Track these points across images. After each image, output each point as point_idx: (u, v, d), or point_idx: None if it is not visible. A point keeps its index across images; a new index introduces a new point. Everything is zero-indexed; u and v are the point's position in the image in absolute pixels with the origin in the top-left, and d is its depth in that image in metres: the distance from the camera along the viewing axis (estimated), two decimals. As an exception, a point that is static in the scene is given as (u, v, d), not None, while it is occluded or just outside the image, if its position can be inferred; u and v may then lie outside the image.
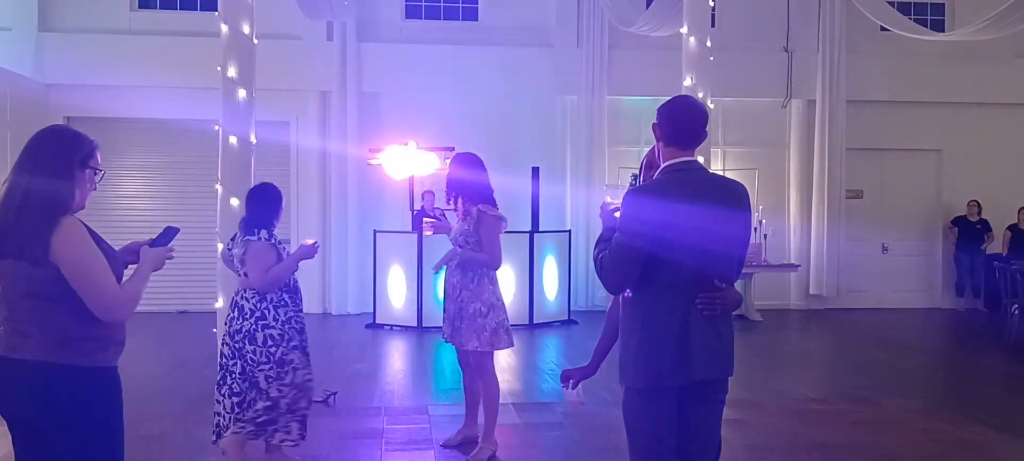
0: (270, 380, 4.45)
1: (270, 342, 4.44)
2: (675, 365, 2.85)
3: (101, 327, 2.56)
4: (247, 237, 4.54)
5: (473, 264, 4.92)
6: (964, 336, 11.08)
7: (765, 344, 9.82)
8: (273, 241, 4.55)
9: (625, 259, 2.84)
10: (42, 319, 2.51)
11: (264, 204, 4.64)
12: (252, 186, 4.75)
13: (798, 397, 6.92)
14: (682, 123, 2.94)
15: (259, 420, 4.47)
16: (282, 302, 4.54)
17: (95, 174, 2.66)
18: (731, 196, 2.96)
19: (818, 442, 5.59)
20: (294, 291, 4.65)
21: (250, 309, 4.48)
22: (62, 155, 2.56)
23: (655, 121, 3.01)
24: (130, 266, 2.78)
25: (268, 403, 4.47)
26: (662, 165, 2.97)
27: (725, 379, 3.00)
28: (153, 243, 2.80)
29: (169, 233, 2.85)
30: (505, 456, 5.17)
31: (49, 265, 2.45)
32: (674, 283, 2.84)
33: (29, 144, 2.59)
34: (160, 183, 12.16)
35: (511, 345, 5.08)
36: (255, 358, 4.43)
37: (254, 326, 4.45)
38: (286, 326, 4.51)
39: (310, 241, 4.70)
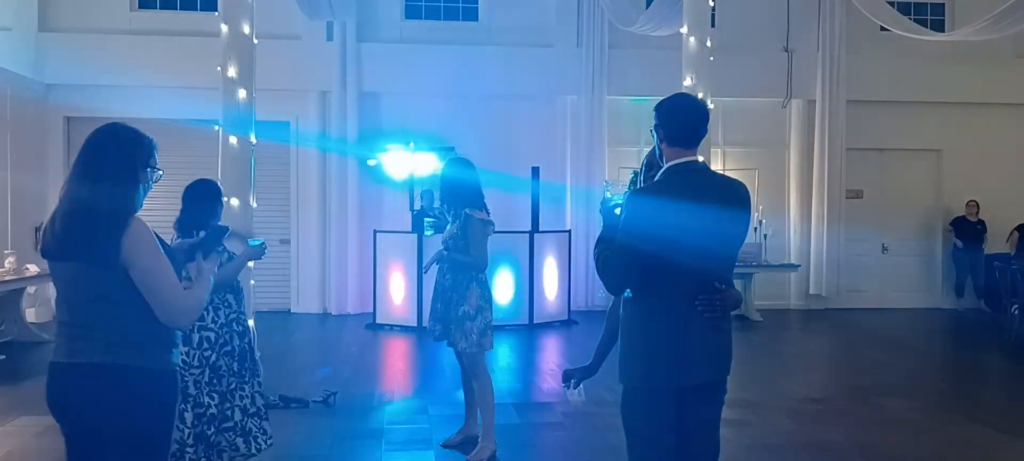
0: (200, 386, 4.17)
1: (205, 345, 4.19)
2: (675, 366, 2.84)
3: (165, 329, 2.55)
4: (184, 239, 4.20)
5: (460, 267, 4.96)
6: (964, 336, 11.08)
7: (765, 344, 9.82)
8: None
9: (628, 260, 2.83)
10: (109, 321, 2.49)
11: (202, 202, 4.34)
12: (189, 183, 4.44)
13: (798, 397, 6.91)
14: (683, 122, 2.92)
15: (196, 431, 4.15)
16: (225, 302, 4.31)
17: (154, 173, 2.67)
18: (733, 196, 2.95)
19: (818, 442, 5.59)
20: (237, 292, 4.42)
21: None
22: (126, 157, 2.57)
23: (654, 122, 2.99)
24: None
25: (199, 411, 4.17)
26: (665, 165, 2.96)
27: (724, 379, 3.00)
28: (204, 243, 2.84)
29: (219, 232, 2.91)
30: (505, 456, 5.17)
31: (118, 268, 2.44)
32: (675, 284, 2.83)
33: (89, 146, 2.56)
34: (160, 183, 12.03)
35: (491, 347, 5.12)
36: (188, 360, 4.15)
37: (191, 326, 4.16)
38: (224, 329, 4.27)
39: (258, 241, 4.47)
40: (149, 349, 2.52)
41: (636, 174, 3.31)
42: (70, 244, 2.46)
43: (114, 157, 2.54)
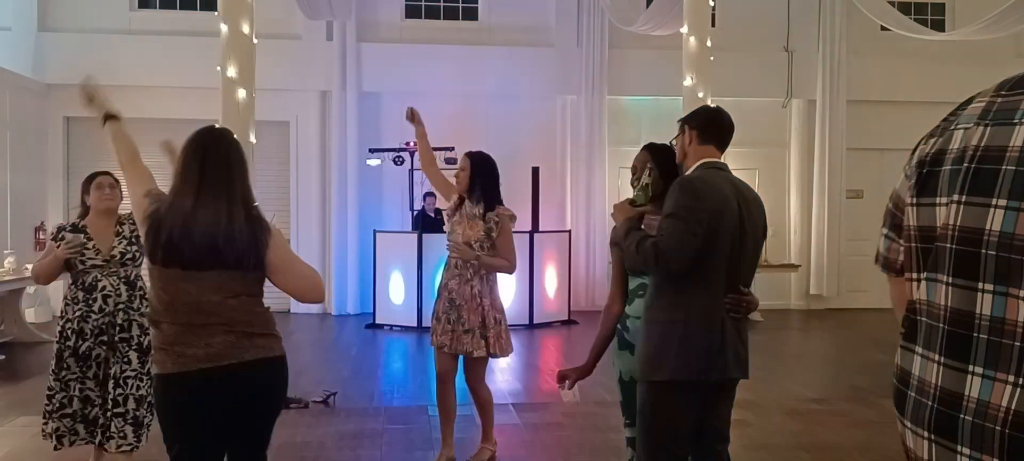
0: (52, 371, 4.30)
1: (58, 336, 4.32)
2: (716, 359, 2.93)
3: (156, 335, 2.92)
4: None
5: (493, 269, 4.74)
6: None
7: (765, 344, 9.81)
8: (61, 236, 4.36)
9: (682, 242, 2.80)
10: None
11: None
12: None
13: (798, 397, 6.91)
14: (719, 122, 3.18)
15: (64, 413, 4.26)
16: (74, 299, 4.31)
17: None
18: (756, 203, 3.11)
19: (818, 442, 5.58)
20: (89, 290, 4.30)
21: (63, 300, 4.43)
22: None
23: (684, 119, 3.20)
24: None
25: (64, 396, 4.29)
26: (698, 161, 3.08)
27: (739, 380, 3.13)
28: None
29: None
30: (505, 456, 5.17)
31: None
32: (716, 277, 2.93)
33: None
34: (160, 183, 12.12)
35: (510, 351, 4.93)
36: (59, 346, 4.31)
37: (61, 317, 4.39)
38: (67, 326, 4.27)
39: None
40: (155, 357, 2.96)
41: (633, 172, 3.42)
42: None
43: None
